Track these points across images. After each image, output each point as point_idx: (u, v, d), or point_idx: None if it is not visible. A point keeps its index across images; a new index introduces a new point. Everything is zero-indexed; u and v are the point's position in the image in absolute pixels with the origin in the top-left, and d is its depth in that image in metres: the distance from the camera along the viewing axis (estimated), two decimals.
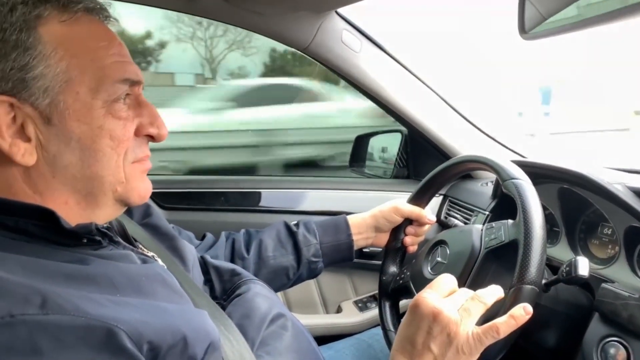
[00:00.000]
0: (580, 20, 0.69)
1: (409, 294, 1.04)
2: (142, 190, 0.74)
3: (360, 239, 1.19)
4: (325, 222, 1.20)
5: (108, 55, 0.68)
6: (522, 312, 0.74)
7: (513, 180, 0.90)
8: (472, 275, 0.91)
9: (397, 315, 1.12)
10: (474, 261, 0.91)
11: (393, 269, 1.17)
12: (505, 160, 0.96)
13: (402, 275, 1.09)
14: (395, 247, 1.19)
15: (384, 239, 1.20)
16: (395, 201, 1.18)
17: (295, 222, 1.21)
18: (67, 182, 0.67)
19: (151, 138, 0.75)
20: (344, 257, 1.19)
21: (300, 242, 1.15)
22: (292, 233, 1.17)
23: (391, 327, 1.11)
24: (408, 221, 1.18)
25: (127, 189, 0.71)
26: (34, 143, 0.64)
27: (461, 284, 0.90)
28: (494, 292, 0.78)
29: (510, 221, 0.91)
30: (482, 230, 0.95)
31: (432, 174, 1.15)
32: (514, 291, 0.78)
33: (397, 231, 1.19)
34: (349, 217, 1.20)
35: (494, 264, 0.90)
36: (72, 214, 0.67)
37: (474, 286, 0.88)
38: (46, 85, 0.63)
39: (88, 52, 0.66)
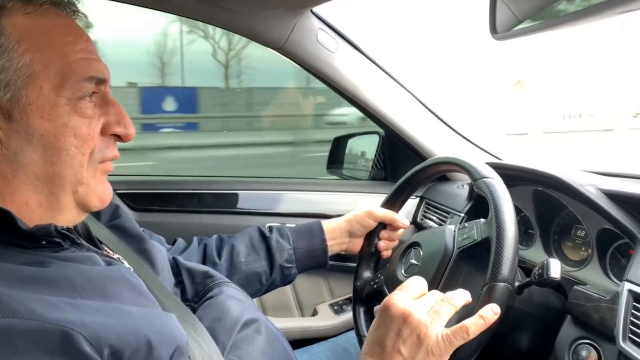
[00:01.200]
0: (551, 20, 0.68)
1: (383, 299, 1.03)
2: (101, 193, 0.72)
3: (334, 245, 1.18)
4: (299, 227, 1.19)
5: (74, 51, 0.66)
6: (491, 312, 0.74)
7: (484, 179, 0.90)
8: (445, 275, 0.90)
9: (372, 321, 1.11)
10: (447, 261, 0.91)
11: (367, 274, 1.16)
12: (476, 160, 0.96)
13: (377, 280, 1.08)
14: (369, 252, 1.18)
15: (358, 244, 1.19)
16: (369, 206, 1.17)
17: (269, 226, 1.19)
18: (28, 181, 0.64)
19: (118, 138, 0.73)
20: (318, 262, 1.17)
21: (273, 248, 1.13)
22: (265, 238, 1.15)
23: (365, 333, 1.08)
24: (382, 226, 1.17)
25: (88, 190, 0.69)
26: None
27: (435, 284, 0.90)
28: (463, 295, 0.78)
29: (482, 220, 0.90)
30: (455, 230, 0.95)
31: (404, 177, 1.14)
32: (487, 289, 0.77)
33: (371, 236, 1.18)
34: (323, 222, 1.19)
35: (467, 263, 0.90)
36: (33, 216, 0.65)
37: (448, 286, 0.88)
38: (8, 79, 0.61)
39: (53, 46, 0.64)
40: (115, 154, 0.73)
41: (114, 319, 0.59)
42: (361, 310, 1.11)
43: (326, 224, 1.18)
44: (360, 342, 1.09)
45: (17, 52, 0.61)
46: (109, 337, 0.56)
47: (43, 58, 0.63)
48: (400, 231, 1.18)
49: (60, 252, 0.66)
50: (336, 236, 1.17)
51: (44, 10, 0.65)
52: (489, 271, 0.78)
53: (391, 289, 0.98)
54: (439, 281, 0.90)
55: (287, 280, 1.16)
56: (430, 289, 0.82)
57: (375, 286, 1.07)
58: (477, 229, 0.90)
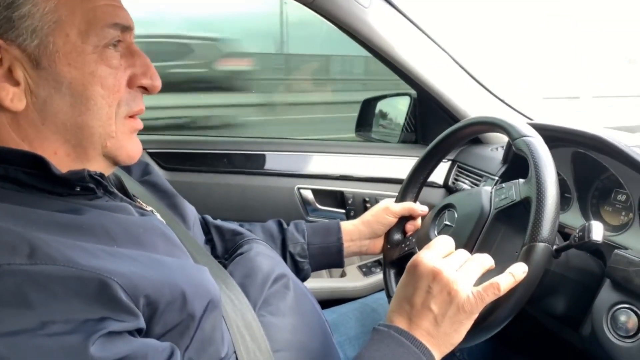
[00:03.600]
0: None
1: None
2: (130, 150, 0.72)
3: (352, 246, 1.15)
4: (316, 224, 1.17)
5: None
6: (520, 270, 0.73)
7: (524, 138, 0.86)
8: (481, 237, 0.88)
9: None
10: (483, 223, 0.89)
11: (398, 236, 1.14)
12: (515, 119, 0.92)
13: (408, 243, 1.07)
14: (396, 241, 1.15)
15: (379, 243, 1.15)
16: (385, 202, 1.14)
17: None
18: (57, 130, 0.64)
19: (144, 90, 0.72)
20: (333, 261, 1.14)
21: (288, 239, 1.12)
22: (282, 230, 1.14)
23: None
24: (402, 220, 1.14)
25: (117, 146, 0.69)
26: (22, 87, 0.62)
27: (470, 246, 0.88)
28: (488, 258, 0.77)
29: (521, 180, 0.87)
30: (491, 191, 0.92)
31: (441, 135, 1.09)
32: (526, 249, 0.75)
33: (390, 233, 1.14)
34: (341, 223, 1.16)
35: (504, 225, 0.88)
36: (61, 165, 0.65)
37: (483, 248, 0.87)
38: (34, 26, 0.60)
39: None
40: (141, 107, 0.72)
41: (150, 269, 0.59)
42: (392, 273, 1.10)
43: (345, 225, 1.16)
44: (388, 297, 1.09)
45: None
46: (144, 286, 0.57)
47: (68, 3, 0.62)
48: (419, 220, 1.15)
49: (94, 200, 0.66)
50: (354, 238, 1.14)
51: None
52: (529, 231, 0.76)
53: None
54: (475, 242, 0.88)
55: (300, 276, 1.13)
56: (465, 250, 0.81)
57: (406, 249, 1.06)
58: (516, 189, 0.87)
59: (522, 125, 0.90)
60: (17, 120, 0.63)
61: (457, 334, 0.72)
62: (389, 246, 1.13)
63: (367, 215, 1.15)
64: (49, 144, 0.64)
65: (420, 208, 1.12)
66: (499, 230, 0.87)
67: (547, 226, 0.75)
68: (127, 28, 0.68)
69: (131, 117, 0.71)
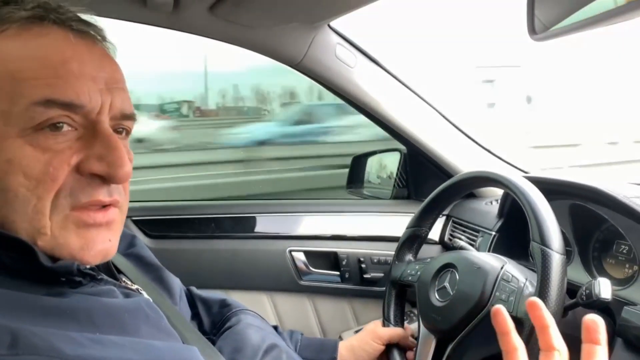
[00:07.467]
0: (589, 18, 0.64)
1: (413, 294, 1.03)
2: (74, 248, 0.58)
3: None
4: (313, 338, 1.09)
5: (37, 70, 0.55)
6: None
7: (543, 248, 0.81)
8: (472, 324, 0.87)
9: (401, 308, 1.11)
10: (478, 311, 0.87)
11: (409, 257, 1.13)
12: (549, 214, 0.86)
13: (412, 272, 1.06)
14: (413, 235, 1.13)
15: None
16: (373, 325, 1.08)
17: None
18: None
19: (102, 178, 0.59)
20: None
21: None
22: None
23: (391, 320, 1.08)
24: (392, 347, 1.06)
25: (52, 244, 0.57)
26: None
27: (460, 328, 0.88)
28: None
29: (528, 289, 0.84)
30: (497, 276, 0.88)
31: (456, 179, 1.10)
32: None
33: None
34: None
35: None
36: None
37: (471, 335, 0.87)
38: None
39: (10, 69, 0.55)
40: (96, 197, 0.59)
41: (138, 354, 0.55)
42: (392, 294, 1.10)
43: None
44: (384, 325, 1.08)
45: None
46: None
47: None
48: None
49: (79, 287, 0.61)
50: None
51: (28, 28, 0.57)
52: None
53: (422, 304, 0.98)
54: (465, 326, 0.87)
55: None
56: (453, 332, 0.84)
57: (409, 277, 1.06)
58: (517, 300, 0.83)
59: (552, 230, 0.84)
60: None
61: None
62: (397, 262, 1.11)
63: (351, 340, 1.06)
64: None
65: (415, 334, 1.02)
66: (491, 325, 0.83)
67: None
68: (70, 105, 0.56)
69: (87, 207, 0.59)
